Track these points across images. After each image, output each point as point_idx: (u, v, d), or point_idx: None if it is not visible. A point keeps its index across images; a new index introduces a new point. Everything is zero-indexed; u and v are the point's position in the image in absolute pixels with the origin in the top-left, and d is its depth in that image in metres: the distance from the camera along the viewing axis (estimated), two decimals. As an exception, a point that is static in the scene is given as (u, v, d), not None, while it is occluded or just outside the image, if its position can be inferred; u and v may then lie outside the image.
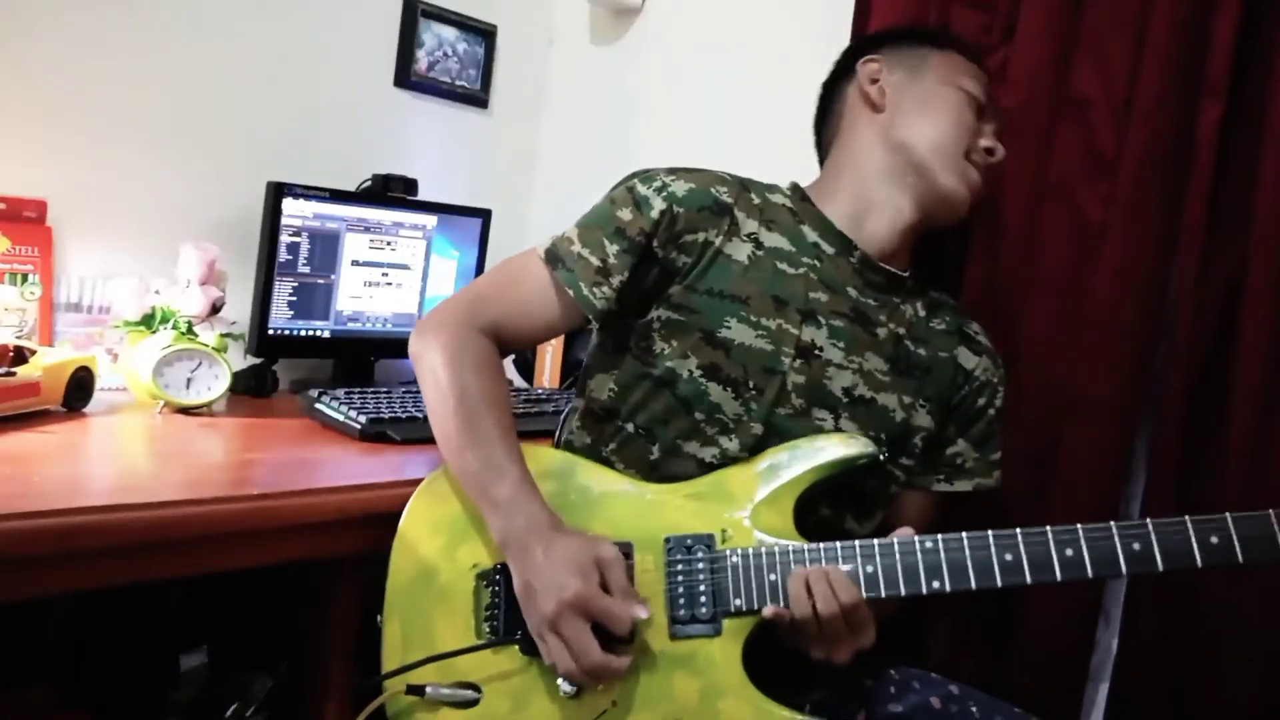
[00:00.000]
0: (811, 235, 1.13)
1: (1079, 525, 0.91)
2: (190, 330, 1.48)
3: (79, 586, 1.02)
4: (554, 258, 1.10)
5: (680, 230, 1.08)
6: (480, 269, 1.90)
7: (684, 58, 1.93)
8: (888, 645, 1.01)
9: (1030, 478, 1.29)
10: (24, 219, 1.50)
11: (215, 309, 1.55)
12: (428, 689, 0.99)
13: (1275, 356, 1.13)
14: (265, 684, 1.50)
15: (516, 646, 0.99)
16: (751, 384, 1.05)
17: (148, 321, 1.48)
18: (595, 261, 1.08)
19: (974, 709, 1.07)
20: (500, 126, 2.11)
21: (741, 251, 1.09)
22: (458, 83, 2.01)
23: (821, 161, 1.28)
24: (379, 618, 1.06)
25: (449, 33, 1.98)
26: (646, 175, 1.12)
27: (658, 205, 1.08)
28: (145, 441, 1.33)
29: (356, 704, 1.03)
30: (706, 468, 1.06)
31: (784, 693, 1.00)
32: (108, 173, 1.60)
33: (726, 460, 1.06)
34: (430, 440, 1.40)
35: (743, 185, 1.14)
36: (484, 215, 1.89)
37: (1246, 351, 1.14)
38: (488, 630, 1.01)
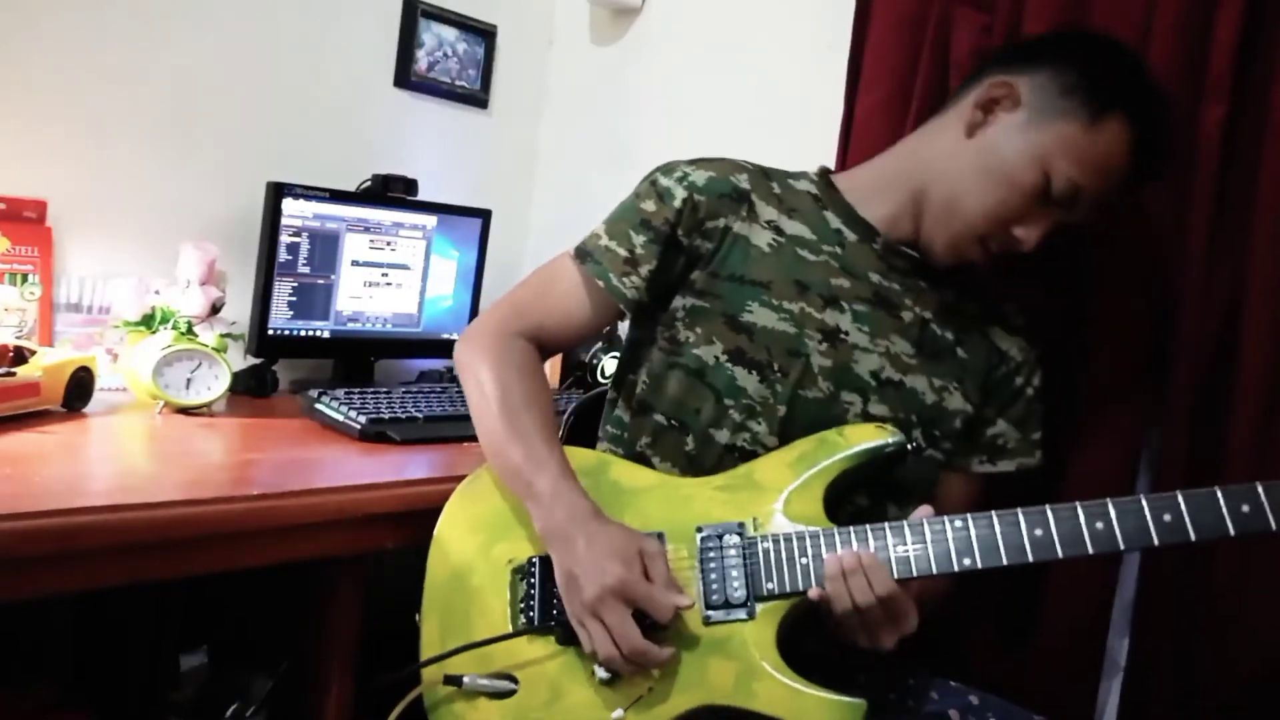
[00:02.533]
0: (835, 222, 1.13)
1: (1108, 499, 0.90)
2: (190, 330, 1.48)
3: (79, 586, 1.02)
4: (583, 254, 1.13)
5: (702, 217, 1.10)
6: (480, 269, 1.90)
7: (684, 58, 1.93)
8: (906, 649, 1.00)
9: (1036, 479, 1.29)
10: (24, 219, 1.50)
11: (215, 309, 1.55)
12: (465, 679, 1.00)
13: (1276, 355, 1.13)
14: (265, 684, 1.50)
15: (552, 636, 1.00)
16: (776, 366, 1.07)
17: (148, 321, 1.48)
18: (623, 253, 1.10)
19: (991, 717, 1.07)
20: (500, 126, 2.11)
21: (762, 238, 1.10)
22: (458, 83, 2.01)
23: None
24: (417, 616, 1.08)
25: (449, 33, 1.98)
26: (668, 167, 1.14)
27: (679, 194, 1.10)
28: (145, 441, 1.33)
29: (374, 702, 1.03)
30: (739, 455, 1.08)
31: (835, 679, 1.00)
32: (108, 173, 1.60)
33: (757, 444, 1.07)
34: (430, 440, 1.41)
35: (763, 174, 1.15)
36: (484, 215, 1.89)
37: (1250, 351, 1.14)
38: (523, 621, 1.02)
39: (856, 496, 1.07)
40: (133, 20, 1.59)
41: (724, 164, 1.14)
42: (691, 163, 1.14)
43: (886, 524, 0.97)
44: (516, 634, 1.01)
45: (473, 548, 1.08)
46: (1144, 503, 0.89)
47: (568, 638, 0.99)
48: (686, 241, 1.10)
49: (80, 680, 1.52)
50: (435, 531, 1.10)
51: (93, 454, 1.26)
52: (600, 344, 1.85)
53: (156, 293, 1.51)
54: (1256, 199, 1.14)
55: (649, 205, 1.11)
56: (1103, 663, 1.30)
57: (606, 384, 1.25)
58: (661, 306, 1.13)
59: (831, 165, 1.54)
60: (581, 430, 1.27)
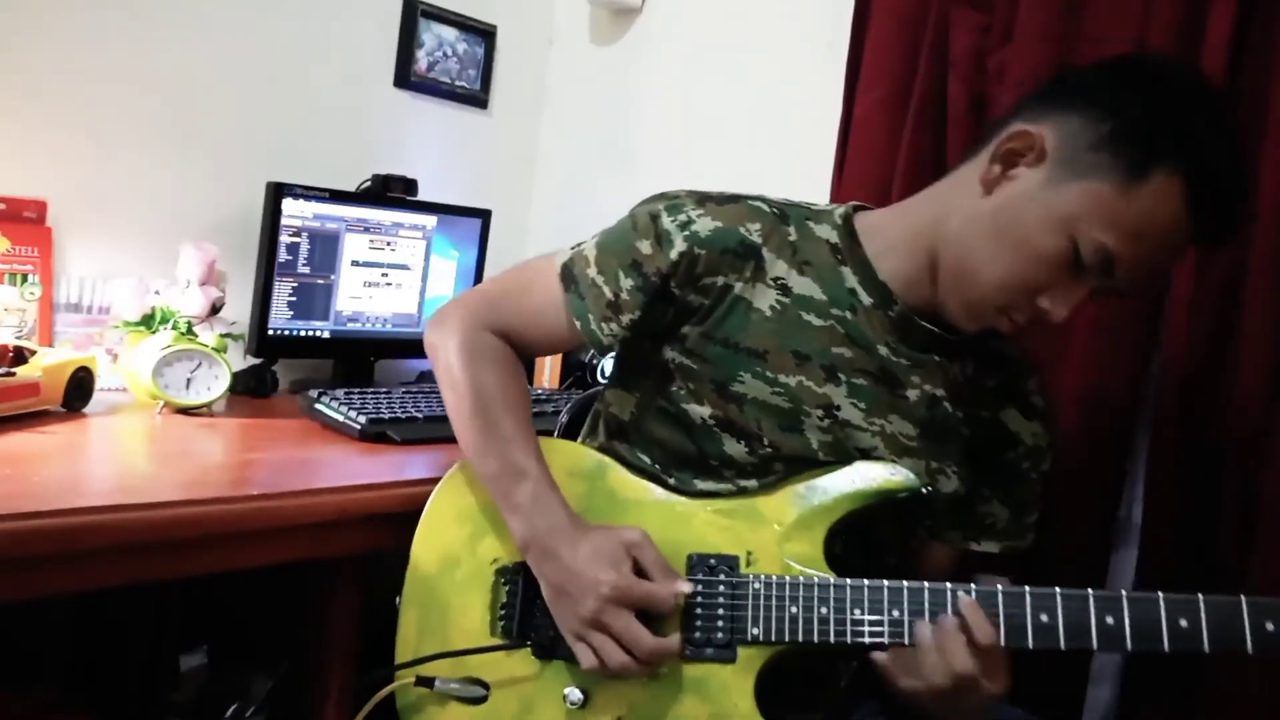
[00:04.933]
0: (850, 280, 1.00)
1: (1199, 595, 0.85)
2: (190, 330, 1.48)
3: (79, 586, 1.02)
4: (569, 278, 1.05)
5: (700, 273, 0.99)
6: (480, 269, 1.90)
7: (684, 58, 1.93)
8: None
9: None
10: (24, 219, 1.50)
11: (215, 309, 1.55)
12: (436, 681, 0.99)
13: (1275, 356, 1.13)
14: (265, 684, 1.50)
15: (529, 650, 0.99)
16: (766, 440, 0.99)
17: (147, 322, 1.48)
18: (608, 294, 1.02)
19: None
20: (500, 126, 2.11)
21: (765, 300, 1.00)
22: (458, 83, 2.01)
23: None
24: (398, 600, 1.06)
25: (449, 33, 1.98)
26: (674, 204, 1.01)
27: (678, 245, 0.99)
28: (145, 442, 1.33)
29: (359, 698, 1.03)
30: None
31: (788, 711, 0.99)
32: (108, 173, 1.60)
33: (745, 494, 1.01)
34: (430, 440, 1.41)
35: (780, 217, 1.02)
36: (484, 215, 1.89)
37: (1247, 351, 1.14)
38: (501, 629, 1.01)
39: (835, 543, 0.98)
40: (133, 21, 1.59)
41: (736, 210, 1.01)
42: (700, 203, 1.01)
43: (905, 584, 0.91)
44: (492, 649, 1.00)
45: (459, 540, 1.05)
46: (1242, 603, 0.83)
47: (543, 654, 0.97)
48: (679, 294, 1.00)
49: (80, 680, 1.52)
50: (422, 515, 1.08)
51: (93, 454, 1.26)
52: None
53: (156, 293, 1.51)
54: (1254, 198, 1.14)
55: (644, 246, 1.00)
56: (1091, 661, 1.30)
57: (606, 384, 1.23)
58: (647, 341, 1.05)
59: (830, 169, 1.56)
60: (575, 430, 1.27)
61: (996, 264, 0.91)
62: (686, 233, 0.99)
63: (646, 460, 1.05)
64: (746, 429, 0.99)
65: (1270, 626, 0.82)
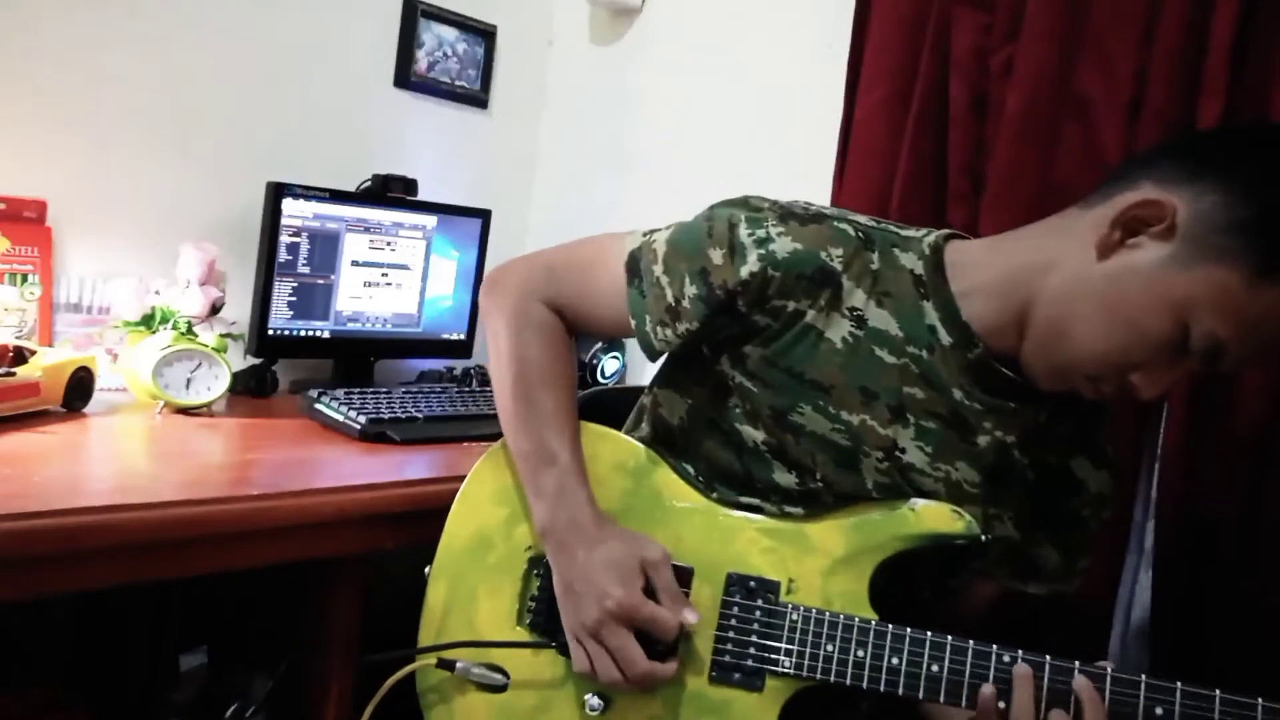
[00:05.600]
0: (931, 317, 0.94)
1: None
2: (190, 330, 1.48)
3: (79, 587, 1.02)
4: (634, 269, 0.99)
5: (771, 295, 0.93)
6: (480, 270, 1.89)
7: (684, 58, 1.93)
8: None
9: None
10: (24, 219, 1.49)
11: (215, 309, 1.55)
12: (458, 665, 0.99)
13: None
14: (265, 684, 1.50)
15: (555, 648, 0.98)
16: (819, 475, 0.95)
17: (147, 322, 1.48)
18: (670, 298, 0.96)
19: None
20: (500, 127, 2.11)
21: (838, 331, 0.94)
22: (458, 83, 2.01)
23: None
24: (427, 570, 1.05)
25: (449, 33, 1.98)
26: (755, 216, 0.95)
27: (752, 263, 0.92)
28: (145, 442, 1.32)
29: (361, 693, 1.02)
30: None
31: None
32: (108, 173, 1.60)
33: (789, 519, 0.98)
34: (430, 440, 1.41)
35: (865, 242, 0.95)
36: (484, 215, 1.89)
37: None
38: (529, 622, 1.00)
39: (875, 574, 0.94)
40: (133, 21, 1.59)
41: (819, 231, 0.94)
42: (782, 219, 0.94)
43: (971, 645, 0.87)
44: (519, 644, 0.99)
45: (496, 521, 1.03)
46: None
47: (567, 651, 0.96)
48: (746, 312, 0.94)
49: (80, 680, 1.52)
50: (461, 490, 1.06)
51: (93, 454, 1.26)
52: (600, 344, 1.85)
53: (156, 293, 1.51)
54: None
55: (716, 255, 0.94)
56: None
57: (606, 384, 1.22)
58: (710, 349, 1.00)
59: (830, 169, 1.55)
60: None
61: (1098, 335, 0.85)
62: (763, 250, 0.92)
63: (690, 471, 1.02)
64: (800, 461, 0.95)
65: None
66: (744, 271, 0.93)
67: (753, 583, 0.94)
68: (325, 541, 1.18)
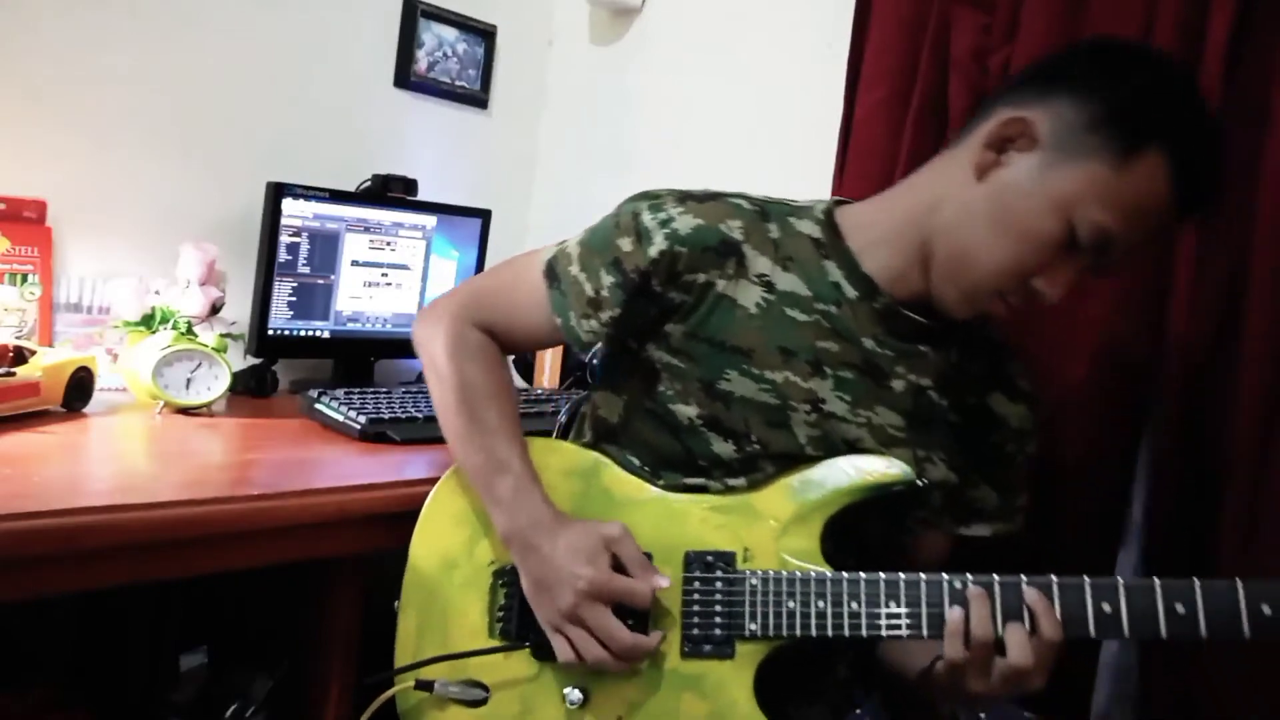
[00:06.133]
0: (834, 274, 1.01)
1: (1195, 580, 0.86)
2: (190, 330, 1.48)
3: (79, 586, 1.02)
4: (552, 275, 1.06)
5: (681, 270, 1.00)
6: (480, 269, 1.89)
7: (684, 58, 1.93)
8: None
9: (1032, 483, 1.29)
10: (24, 219, 1.50)
11: (215, 309, 1.55)
12: (436, 685, 0.99)
13: (1277, 354, 1.13)
14: (265, 684, 1.50)
15: (528, 650, 0.99)
16: (754, 437, 0.99)
17: (147, 322, 1.48)
18: (589, 291, 1.03)
19: (982, 716, 1.07)
20: (500, 127, 2.11)
21: (750, 297, 1.00)
22: (458, 83, 2.01)
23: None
24: (396, 604, 1.06)
25: (449, 33, 1.98)
26: (655, 202, 1.02)
27: (658, 243, 0.99)
28: (145, 442, 1.32)
29: (360, 699, 1.03)
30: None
31: (788, 703, 1.00)
32: (108, 173, 1.60)
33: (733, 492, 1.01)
34: (430, 440, 1.41)
35: (761, 214, 1.03)
36: (484, 215, 1.89)
37: (1248, 353, 1.14)
38: (500, 630, 1.01)
39: (826, 540, 0.98)
40: (133, 20, 1.59)
41: (717, 207, 1.02)
42: (680, 200, 1.02)
43: (923, 577, 0.91)
44: (491, 650, 1.00)
45: (456, 543, 1.06)
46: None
47: (543, 655, 0.97)
48: (660, 291, 1.01)
49: (80, 680, 1.52)
50: (420, 518, 1.08)
51: (93, 454, 1.26)
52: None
53: (156, 293, 1.51)
54: (1254, 199, 1.14)
55: (625, 243, 1.01)
56: (1097, 662, 1.30)
57: (593, 386, 1.23)
58: (633, 341, 1.05)
59: (830, 169, 1.55)
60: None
61: (994, 250, 0.92)
62: (667, 230, 1.00)
63: (635, 462, 1.05)
64: (734, 428, 0.99)
65: (1267, 610, 0.83)
66: (653, 251, 0.99)
67: (710, 557, 0.97)
68: (325, 541, 1.18)
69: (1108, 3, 1.26)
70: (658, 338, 1.03)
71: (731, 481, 1.01)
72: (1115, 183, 0.87)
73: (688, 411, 1.01)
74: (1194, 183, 0.88)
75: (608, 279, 1.02)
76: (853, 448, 0.99)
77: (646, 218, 1.01)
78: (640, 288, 1.01)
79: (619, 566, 0.94)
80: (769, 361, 0.99)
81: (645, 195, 1.04)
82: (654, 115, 1.98)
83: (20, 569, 0.94)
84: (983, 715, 1.07)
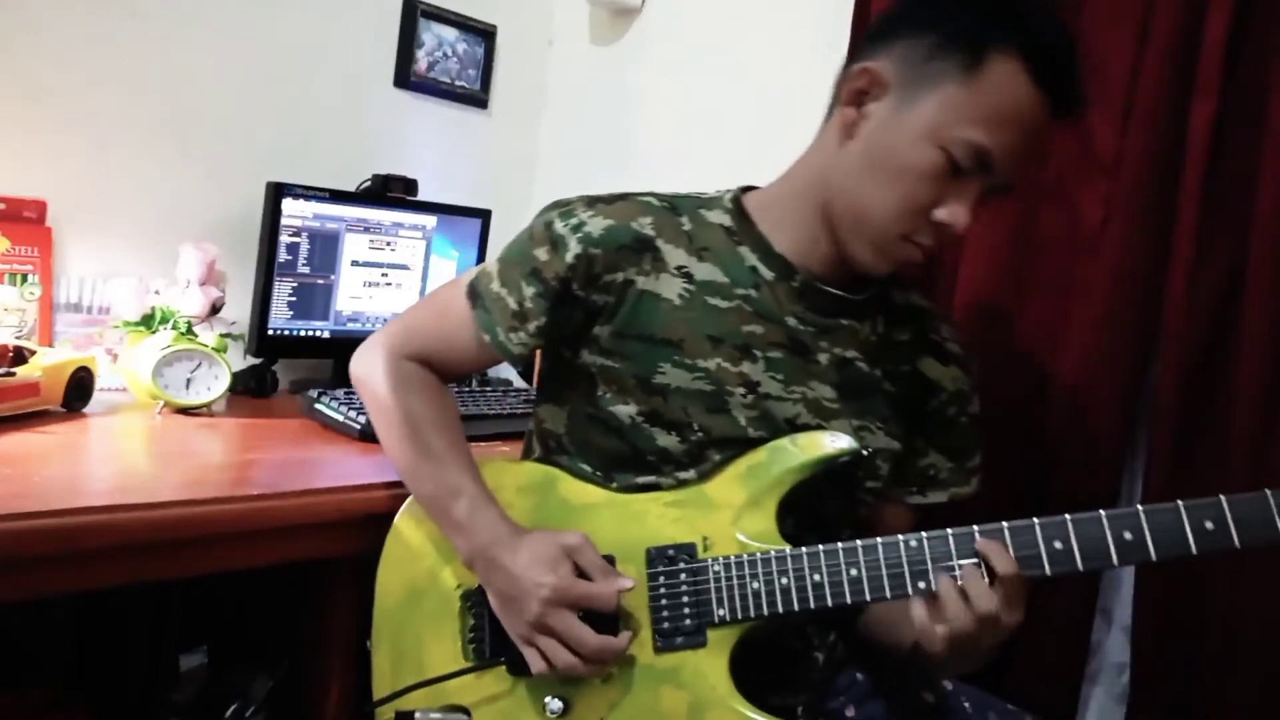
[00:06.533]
0: (750, 259, 1.03)
1: (1139, 507, 0.87)
2: (190, 330, 1.48)
3: (79, 587, 1.02)
4: (475, 295, 1.07)
5: (599, 271, 1.01)
6: (480, 269, 1.90)
7: (684, 58, 1.93)
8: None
9: (1027, 479, 1.29)
10: (24, 219, 1.50)
11: (215, 309, 1.55)
12: (417, 714, 0.99)
13: (1275, 354, 1.13)
14: (265, 684, 1.50)
15: (503, 667, 0.99)
16: (696, 425, 1.00)
17: (147, 322, 1.48)
18: (512, 304, 1.04)
19: (966, 704, 1.08)
20: (500, 127, 2.11)
21: (671, 289, 1.02)
22: (457, 83, 2.01)
23: None
24: (368, 643, 1.07)
25: (449, 33, 1.98)
26: (566, 210, 1.04)
27: (573, 248, 1.01)
28: (145, 442, 1.33)
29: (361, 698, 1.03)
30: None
31: (770, 694, 1.00)
32: (107, 173, 1.60)
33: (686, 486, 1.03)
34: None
35: (671, 208, 1.05)
36: (484, 215, 1.90)
37: (1246, 349, 1.14)
38: (473, 651, 1.02)
39: (786, 521, 0.99)
40: (133, 21, 1.59)
41: (626, 206, 1.04)
42: (590, 205, 1.04)
43: (859, 543, 0.92)
44: (465, 671, 1.00)
45: (420, 573, 1.06)
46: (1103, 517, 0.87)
47: (518, 670, 0.98)
48: (583, 295, 1.02)
49: (80, 680, 1.52)
50: (381, 556, 1.09)
51: (93, 454, 1.26)
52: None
53: (156, 293, 1.51)
54: (1252, 198, 1.14)
55: (541, 253, 1.02)
56: (1085, 658, 1.30)
57: (535, 402, 1.22)
58: (566, 350, 1.07)
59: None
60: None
61: (884, 195, 0.94)
62: (580, 234, 1.01)
63: (587, 469, 1.06)
64: (675, 419, 1.01)
65: (1210, 525, 0.84)
66: (569, 257, 1.01)
67: (671, 551, 0.98)
68: (325, 541, 1.18)
69: (1104, 2, 1.26)
70: (588, 342, 1.04)
71: (682, 475, 1.02)
72: (970, 98, 0.90)
73: (628, 410, 1.02)
74: (1051, 76, 0.90)
75: (529, 290, 1.03)
76: (792, 424, 1.01)
77: (559, 225, 1.03)
78: (562, 294, 1.02)
79: (582, 575, 0.95)
80: (699, 350, 1.01)
81: (556, 205, 1.06)
82: (654, 115, 1.98)
83: (20, 569, 0.94)
84: (964, 700, 1.08)
